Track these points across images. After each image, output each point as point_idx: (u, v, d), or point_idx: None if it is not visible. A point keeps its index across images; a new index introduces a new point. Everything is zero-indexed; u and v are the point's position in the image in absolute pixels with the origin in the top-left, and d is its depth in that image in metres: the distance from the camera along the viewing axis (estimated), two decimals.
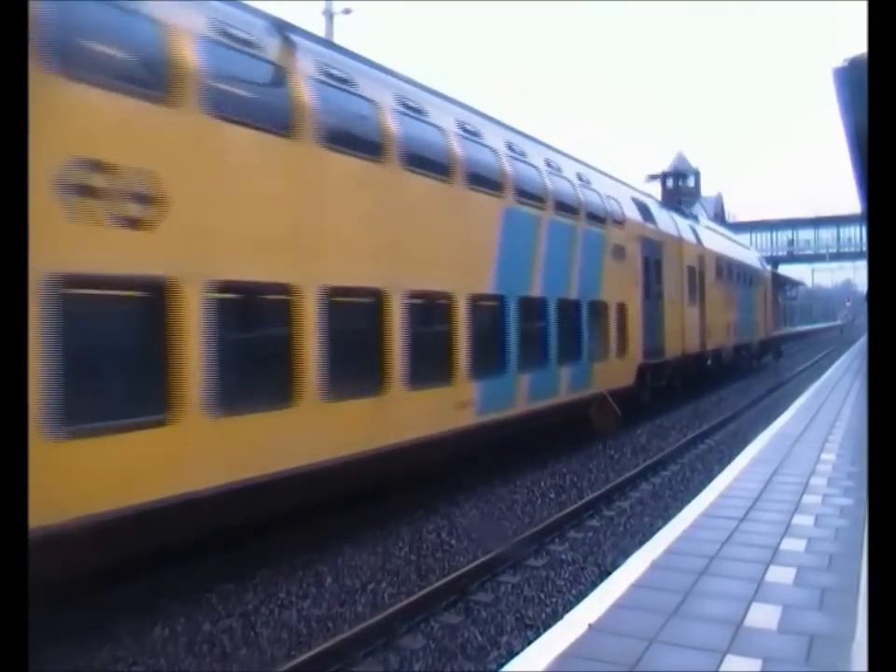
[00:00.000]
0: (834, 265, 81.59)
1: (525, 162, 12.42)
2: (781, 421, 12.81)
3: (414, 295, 9.21)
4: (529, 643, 4.42)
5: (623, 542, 8.54)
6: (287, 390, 7.36)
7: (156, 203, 6.08)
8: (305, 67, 8.00)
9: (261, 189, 7.24)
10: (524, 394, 11.75)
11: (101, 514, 5.49)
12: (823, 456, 9.31)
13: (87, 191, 5.55)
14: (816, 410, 14.17)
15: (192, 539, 6.29)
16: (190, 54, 6.58)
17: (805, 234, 72.71)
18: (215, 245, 6.68)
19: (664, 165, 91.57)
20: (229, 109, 6.90)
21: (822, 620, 4.27)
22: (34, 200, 3.31)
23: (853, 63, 9.49)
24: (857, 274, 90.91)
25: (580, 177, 14.75)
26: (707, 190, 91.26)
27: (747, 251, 33.93)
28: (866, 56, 4.60)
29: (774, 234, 74.35)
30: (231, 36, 7.11)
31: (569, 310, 13.43)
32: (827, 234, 71.30)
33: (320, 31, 18.45)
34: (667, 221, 19.94)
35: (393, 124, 9.18)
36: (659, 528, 6.57)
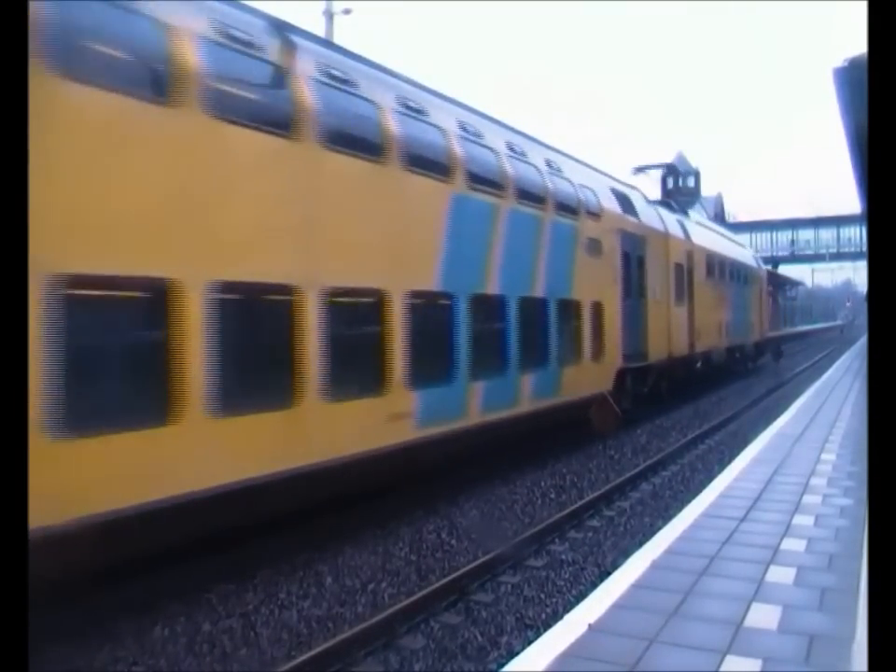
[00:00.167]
0: (834, 265, 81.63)
1: (480, 145, 11.17)
2: (781, 421, 12.82)
3: (333, 292, 7.89)
4: (529, 643, 4.42)
5: (623, 542, 8.54)
6: (158, 406, 6.08)
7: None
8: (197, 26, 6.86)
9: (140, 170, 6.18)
10: (476, 404, 10.47)
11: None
12: (823, 457, 9.31)
13: None
14: (816, 410, 14.17)
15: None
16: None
17: (805, 234, 72.70)
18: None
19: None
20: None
21: (822, 620, 4.27)
22: None
23: (853, 63, 9.49)
24: (857, 274, 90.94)
25: (549, 164, 13.40)
26: (706, 190, 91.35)
27: (741, 248, 32.57)
28: (866, 56, 4.60)
29: (774, 234, 74.35)
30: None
31: (534, 309, 12.16)
32: (827, 234, 71.30)
33: (320, 31, 18.46)
34: (652, 215, 18.71)
35: (309, 95, 7.90)
36: (659, 528, 6.57)
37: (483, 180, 11.00)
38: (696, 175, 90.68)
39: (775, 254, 74.02)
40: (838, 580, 4.90)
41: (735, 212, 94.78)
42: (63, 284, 5.40)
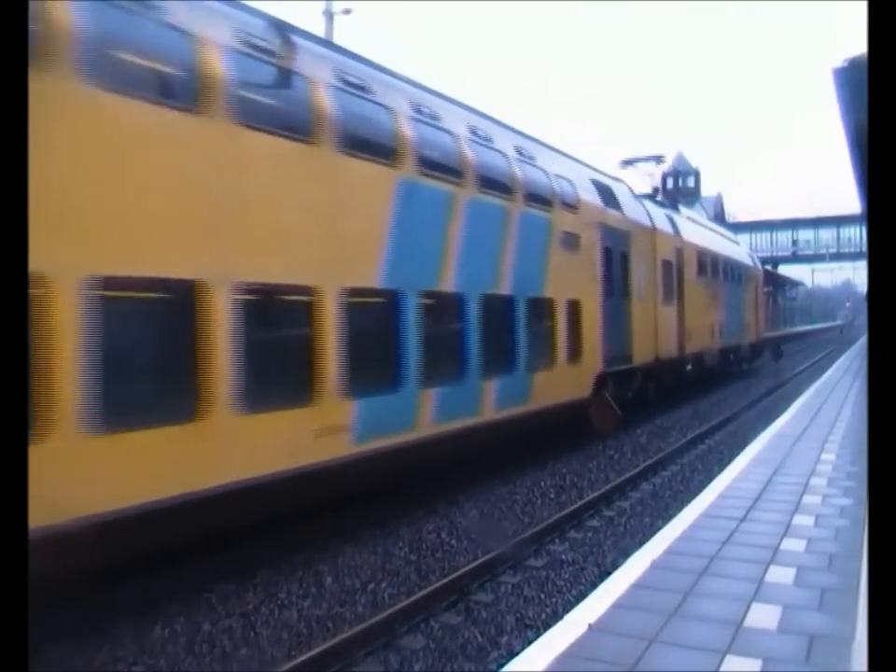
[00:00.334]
0: (834, 265, 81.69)
1: (435, 127, 10.12)
2: (781, 421, 12.82)
3: (249, 289, 6.94)
4: (529, 643, 4.42)
5: (623, 542, 8.54)
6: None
7: None
8: None
9: None
10: (429, 413, 9.43)
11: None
12: (823, 457, 9.31)
13: None
14: (816, 410, 14.18)
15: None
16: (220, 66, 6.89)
17: (805, 234, 72.79)
18: None
19: (664, 165, 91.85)
20: None
21: (822, 620, 4.28)
22: None
23: (853, 63, 9.48)
24: (857, 274, 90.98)
25: (519, 151, 12.30)
26: (706, 190, 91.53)
27: (736, 246, 31.17)
28: (866, 56, 4.60)
29: (774, 234, 74.40)
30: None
31: (499, 308, 11.12)
32: (827, 234, 71.37)
33: (320, 31, 18.47)
34: (637, 209, 17.69)
35: (219, 65, 6.84)
36: (659, 528, 6.58)
37: (438, 166, 9.94)
38: (696, 175, 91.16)
39: (775, 254, 74.09)
40: (838, 580, 4.90)
41: (735, 212, 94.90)
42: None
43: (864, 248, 50.63)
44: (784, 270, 73.44)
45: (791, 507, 6.84)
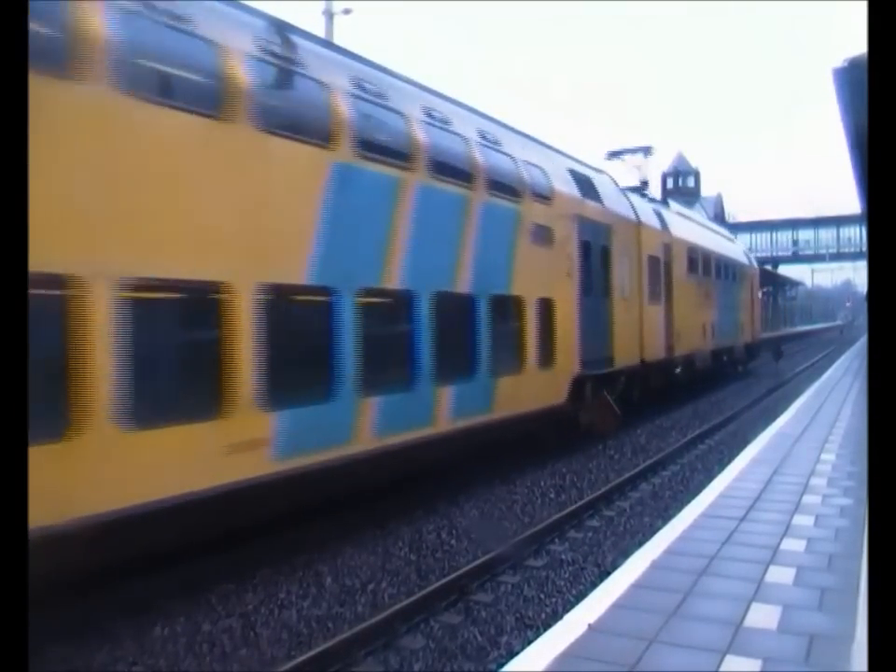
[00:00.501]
0: (834, 265, 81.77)
1: (379, 106, 9.13)
2: (781, 421, 12.83)
3: (140, 286, 6.02)
4: (529, 643, 4.42)
5: (622, 542, 8.54)
6: None
7: None
8: None
9: None
10: (369, 425, 8.43)
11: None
12: (823, 457, 9.31)
13: None
14: (816, 410, 14.18)
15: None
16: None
17: (805, 234, 72.90)
18: None
19: (663, 165, 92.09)
20: None
21: (822, 620, 4.28)
22: None
23: (853, 63, 9.48)
24: (857, 274, 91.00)
25: (483, 136, 11.29)
26: (706, 190, 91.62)
27: (730, 243, 29.93)
28: (866, 56, 4.60)
29: (774, 234, 74.47)
30: None
31: (456, 308, 10.18)
32: (827, 234, 71.47)
33: (320, 31, 18.47)
34: (620, 202, 16.67)
35: (106, 30, 5.93)
36: (659, 528, 6.58)
37: (381, 148, 8.94)
38: (696, 175, 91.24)
39: (775, 254, 74.15)
40: (838, 580, 4.90)
41: (735, 212, 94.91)
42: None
43: (864, 248, 50.65)
44: (784, 270, 73.49)
45: (790, 507, 6.84)
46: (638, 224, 17.21)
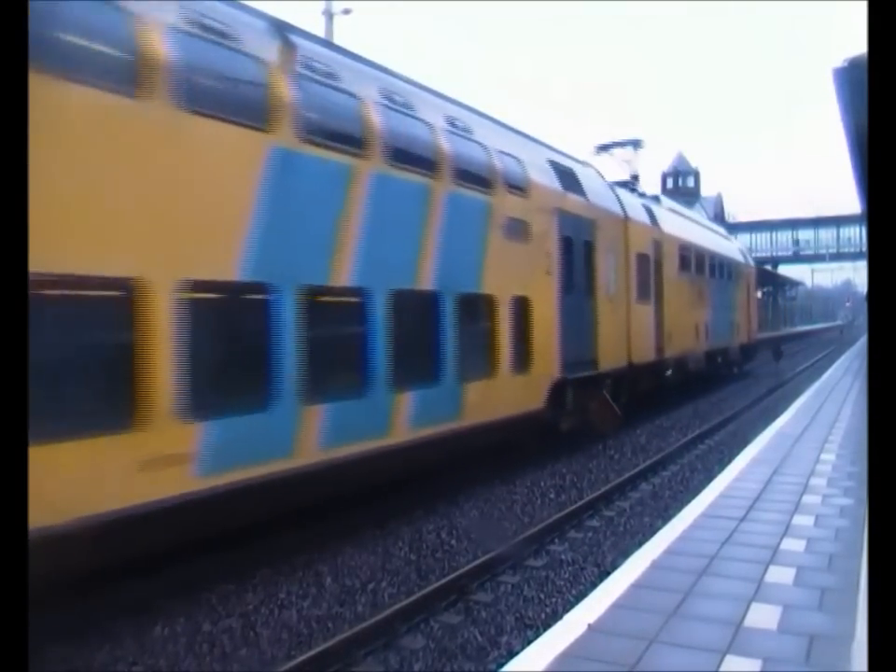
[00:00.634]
0: (834, 265, 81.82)
1: (329, 87, 8.36)
2: (781, 421, 12.83)
3: (39, 281, 5.02)
4: (529, 643, 4.42)
5: (622, 542, 8.54)
6: None
7: None
8: None
9: None
10: (313, 436, 7.65)
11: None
12: (823, 457, 9.32)
13: None
14: (816, 410, 14.18)
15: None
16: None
17: (805, 234, 72.96)
18: None
19: (664, 165, 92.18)
20: None
21: (822, 620, 4.28)
22: None
23: (853, 63, 9.48)
24: (857, 274, 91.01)
25: (450, 123, 10.52)
26: (706, 190, 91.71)
27: (726, 241, 29.07)
28: (866, 56, 4.60)
29: (774, 234, 74.52)
30: None
31: (418, 307, 9.46)
32: (827, 234, 71.52)
33: (320, 31, 18.48)
34: (606, 196, 15.87)
35: None
36: (659, 528, 6.58)
37: (331, 133, 8.23)
38: (696, 175, 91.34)
39: (775, 254, 74.19)
40: (838, 579, 4.90)
41: (735, 212, 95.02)
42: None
43: (864, 248, 50.65)
44: (784, 270, 73.53)
45: (790, 507, 6.84)
46: (626, 219, 16.47)
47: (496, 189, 11.12)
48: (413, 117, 9.74)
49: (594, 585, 5.97)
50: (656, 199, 20.92)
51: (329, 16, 19.77)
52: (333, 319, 8.26)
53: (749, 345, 30.15)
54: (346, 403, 8.14)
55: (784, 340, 50.85)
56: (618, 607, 4.51)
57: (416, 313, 9.47)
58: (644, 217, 17.96)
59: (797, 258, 74.30)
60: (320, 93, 8.22)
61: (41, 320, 5.11)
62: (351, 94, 8.68)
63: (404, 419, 8.97)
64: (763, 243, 74.66)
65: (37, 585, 5.04)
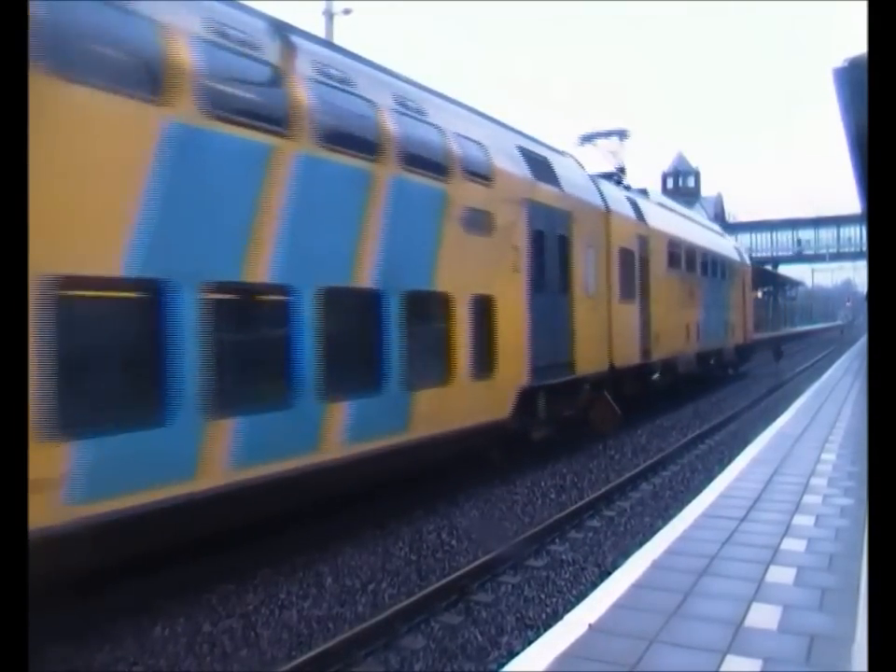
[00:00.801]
0: (834, 265, 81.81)
1: (244, 56, 7.33)
2: (781, 421, 12.83)
3: None
4: (529, 643, 4.42)
5: (623, 542, 8.54)
6: None
7: None
8: None
9: None
10: (221, 454, 6.68)
11: None
12: (824, 456, 9.31)
13: None
14: (816, 410, 14.18)
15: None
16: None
17: (805, 234, 72.95)
18: None
19: (664, 165, 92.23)
20: None
21: (822, 620, 4.28)
22: None
23: (853, 63, 9.49)
24: (857, 274, 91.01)
25: (400, 102, 9.47)
26: (707, 191, 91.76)
27: (720, 238, 27.99)
28: (866, 56, 4.60)
29: (774, 234, 74.54)
30: None
31: (354, 306, 8.50)
32: (827, 234, 71.53)
33: (320, 31, 18.49)
34: (585, 187, 14.84)
35: None
36: (659, 528, 6.58)
37: (242, 109, 7.27)
38: (696, 175, 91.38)
39: (776, 254, 74.21)
40: (838, 580, 4.90)
41: (736, 212, 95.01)
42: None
43: (864, 248, 50.66)
44: (784, 270, 73.55)
45: (791, 507, 6.84)
46: (607, 212, 15.39)
47: (452, 176, 10.08)
48: (348, 92, 8.64)
49: (594, 585, 5.97)
50: (644, 192, 19.92)
51: (330, 16, 19.77)
52: (247, 321, 7.38)
53: (744, 346, 29.19)
54: (264, 417, 7.11)
55: (784, 340, 50.84)
56: (618, 607, 4.51)
57: (353, 313, 8.55)
58: (628, 211, 17.02)
59: (798, 257, 74.31)
60: (230, 61, 7.18)
61: None
62: (270, 65, 7.61)
63: (338, 432, 7.97)
64: (764, 243, 74.68)
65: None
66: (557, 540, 8.78)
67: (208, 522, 6.56)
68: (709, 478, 9.42)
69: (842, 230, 69.68)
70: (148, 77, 6.36)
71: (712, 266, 24.02)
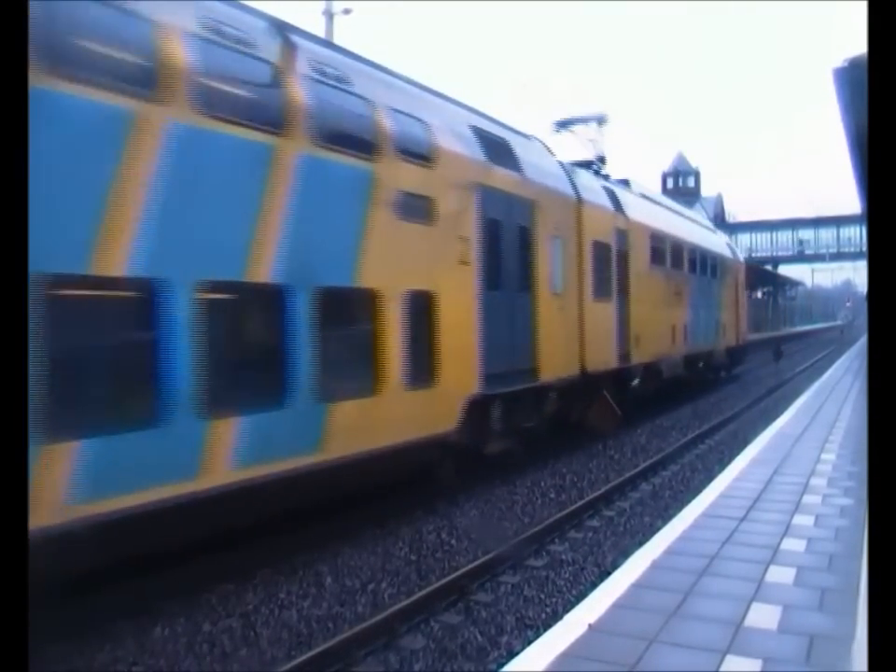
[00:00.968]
0: (834, 265, 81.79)
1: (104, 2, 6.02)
2: (781, 421, 12.83)
3: None
4: (529, 643, 4.42)
5: (623, 542, 8.54)
6: None
7: None
8: None
9: None
10: (64, 485, 5.35)
11: None
12: (823, 456, 9.32)
13: None
14: (816, 410, 14.18)
15: None
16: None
17: (806, 234, 72.91)
18: None
19: (664, 165, 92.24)
20: None
21: (822, 620, 4.28)
22: None
23: (853, 63, 9.48)
24: (857, 274, 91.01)
25: (317, 70, 8.13)
26: (707, 191, 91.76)
27: (711, 234, 26.43)
28: (866, 56, 4.60)
29: (774, 234, 74.53)
30: None
31: (249, 304, 7.29)
32: (827, 234, 71.50)
33: (320, 31, 18.48)
34: (552, 173, 13.32)
35: None
36: (659, 528, 6.58)
37: (103, 72, 5.88)
38: (696, 175, 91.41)
39: (776, 254, 74.22)
40: (838, 580, 4.90)
41: (736, 212, 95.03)
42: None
43: (864, 248, 50.65)
44: (784, 270, 73.55)
45: (791, 507, 6.84)
46: (579, 202, 13.95)
47: (382, 156, 8.73)
48: (244, 54, 7.28)
49: (594, 585, 5.97)
50: (625, 182, 18.51)
51: (330, 16, 19.76)
52: (98, 322, 5.97)
53: (737, 348, 27.64)
54: (124, 438, 5.82)
55: (784, 340, 50.84)
56: (618, 607, 4.51)
57: (247, 312, 7.36)
58: (605, 202, 15.55)
59: (799, 257, 74.30)
60: (76, 14, 5.83)
61: None
62: (136, 16, 6.23)
63: (225, 456, 6.64)
64: (764, 243, 74.68)
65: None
66: (557, 540, 8.78)
67: (64, 564, 5.02)
68: (709, 478, 9.43)
69: (842, 230, 69.65)
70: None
71: (702, 263, 22.61)
